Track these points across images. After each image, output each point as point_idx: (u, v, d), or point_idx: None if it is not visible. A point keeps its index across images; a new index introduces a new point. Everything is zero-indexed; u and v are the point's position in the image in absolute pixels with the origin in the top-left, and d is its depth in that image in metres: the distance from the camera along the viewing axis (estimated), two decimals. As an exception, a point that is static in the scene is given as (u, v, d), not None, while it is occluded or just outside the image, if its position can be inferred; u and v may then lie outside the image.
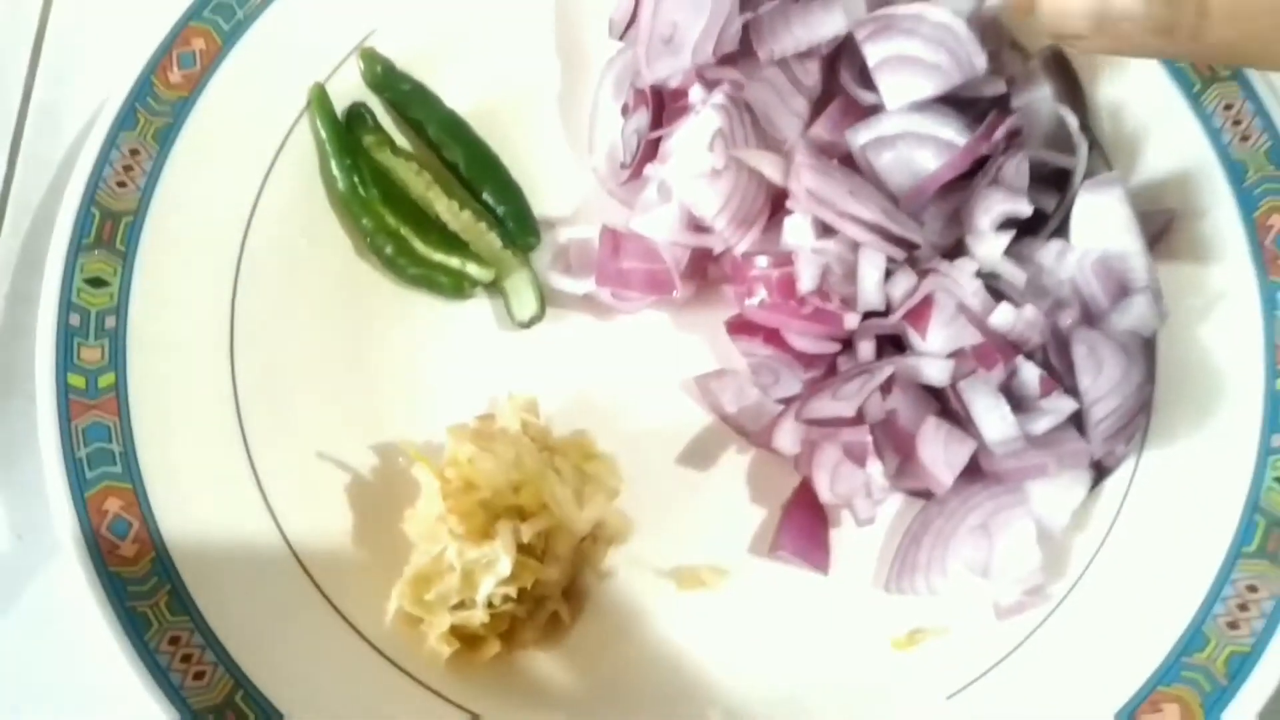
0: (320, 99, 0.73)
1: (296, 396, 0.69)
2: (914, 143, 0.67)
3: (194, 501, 0.63)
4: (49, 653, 0.67)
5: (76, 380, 0.63)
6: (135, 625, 0.59)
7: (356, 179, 0.72)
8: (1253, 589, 0.59)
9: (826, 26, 0.69)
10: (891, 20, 0.68)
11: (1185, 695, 0.58)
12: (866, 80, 0.69)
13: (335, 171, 0.72)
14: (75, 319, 0.64)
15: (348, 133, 0.74)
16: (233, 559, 0.63)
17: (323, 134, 0.73)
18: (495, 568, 0.60)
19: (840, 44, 0.70)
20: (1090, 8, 0.52)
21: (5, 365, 0.74)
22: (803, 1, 0.70)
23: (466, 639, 0.63)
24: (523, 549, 0.61)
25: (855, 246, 0.66)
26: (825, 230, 0.66)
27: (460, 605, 0.61)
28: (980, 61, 0.67)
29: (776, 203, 0.69)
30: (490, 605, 0.61)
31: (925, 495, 0.67)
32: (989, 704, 0.61)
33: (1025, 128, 0.69)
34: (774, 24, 0.69)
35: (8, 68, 0.83)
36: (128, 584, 0.59)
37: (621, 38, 0.74)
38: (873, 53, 0.67)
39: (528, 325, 0.72)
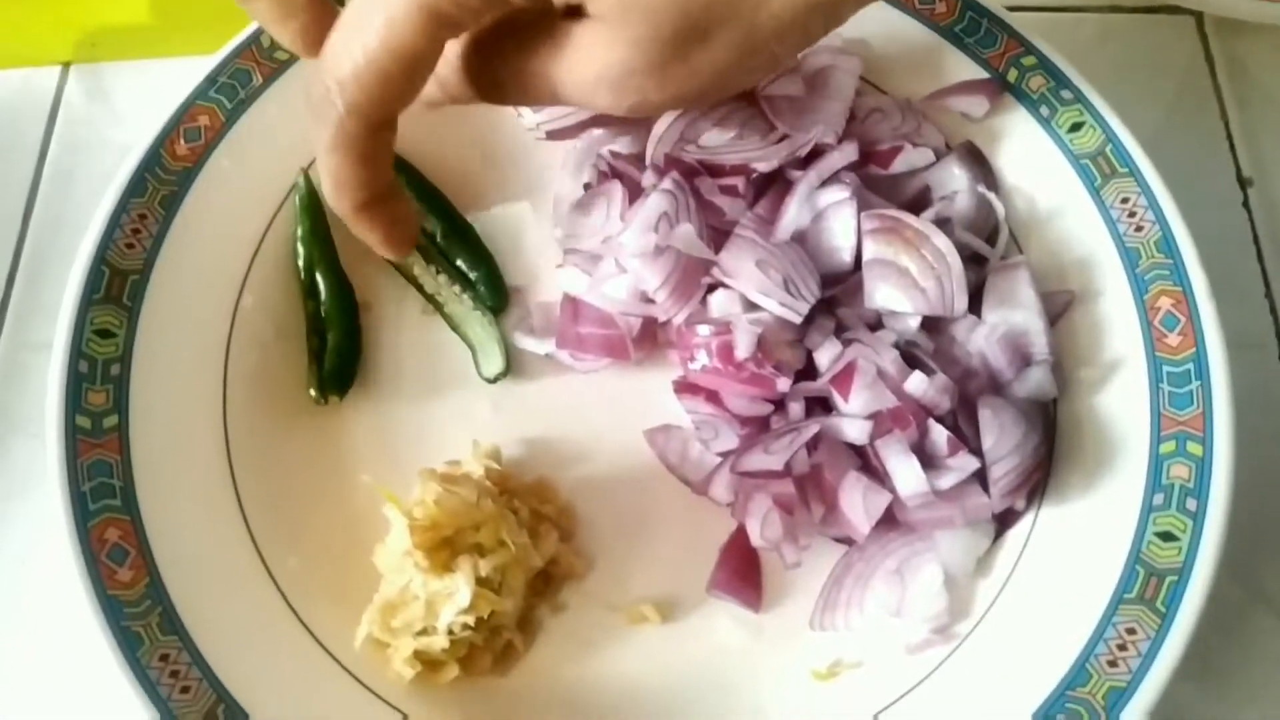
0: (304, 186, 0.81)
1: (281, 440, 0.75)
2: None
3: (186, 532, 0.69)
4: (49, 667, 0.74)
5: (83, 421, 0.69)
6: (130, 643, 0.64)
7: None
8: (1131, 631, 0.66)
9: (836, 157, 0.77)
10: (899, 225, 0.74)
11: (1069, 724, 0.64)
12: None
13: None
14: (84, 366, 0.71)
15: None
16: (219, 585, 0.69)
17: (300, 218, 0.81)
18: (455, 598, 0.66)
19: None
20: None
21: (11, 406, 0.81)
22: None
23: (428, 663, 0.69)
24: (481, 582, 0.67)
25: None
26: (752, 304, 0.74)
27: (423, 632, 0.68)
28: (961, 304, 0.73)
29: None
30: (450, 632, 0.67)
31: (848, 542, 0.74)
32: (896, 729, 0.67)
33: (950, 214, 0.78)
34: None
35: (25, 135, 0.90)
36: (124, 606, 0.65)
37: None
38: (871, 248, 0.74)
39: (493, 380, 0.79)
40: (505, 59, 0.60)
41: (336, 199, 0.60)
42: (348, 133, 0.56)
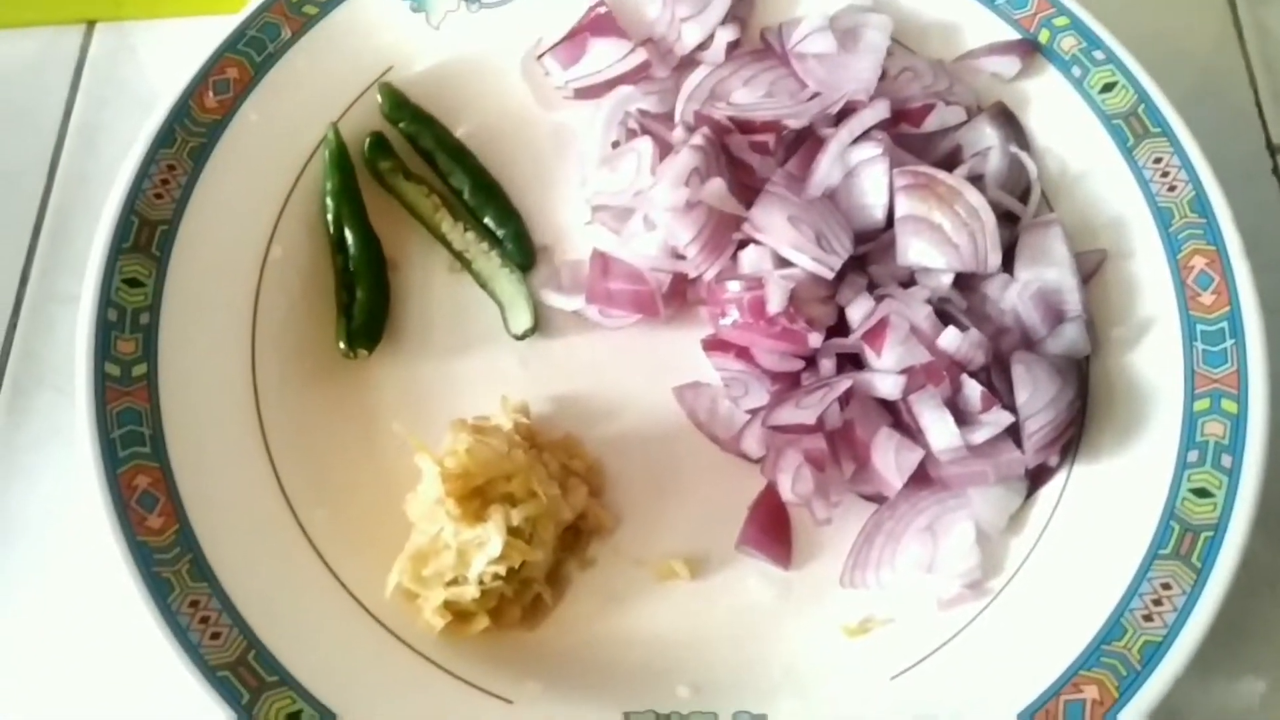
0: (334, 140, 0.80)
1: (310, 392, 0.75)
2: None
3: (215, 481, 0.69)
4: (74, 621, 0.73)
5: (112, 369, 0.69)
6: (160, 589, 0.64)
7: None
8: (1166, 586, 0.65)
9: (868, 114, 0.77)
10: (932, 182, 0.74)
11: (1103, 678, 0.63)
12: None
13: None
14: (113, 314, 0.70)
15: (368, 156, 0.81)
16: (248, 534, 0.68)
17: (328, 172, 0.80)
18: (487, 548, 0.66)
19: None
20: None
21: (37, 358, 0.81)
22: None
23: (458, 614, 0.68)
24: (512, 532, 0.67)
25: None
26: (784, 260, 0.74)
27: (454, 582, 0.67)
28: (995, 260, 0.72)
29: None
30: (481, 583, 0.67)
31: (878, 500, 0.74)
32: (929, 683, 0.67)
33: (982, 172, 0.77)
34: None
35: (51, 92, 0.90)
36: (154, 552, 0.65)
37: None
38: (904, 205, 0.74)
39: (522, 338, 0.79)
40: None
41: None
42: None
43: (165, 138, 0.75)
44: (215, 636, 0.64)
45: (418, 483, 0.69)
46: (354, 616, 0.68)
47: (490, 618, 0.69)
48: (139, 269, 0.72)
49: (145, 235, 0.73)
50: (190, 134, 0.76)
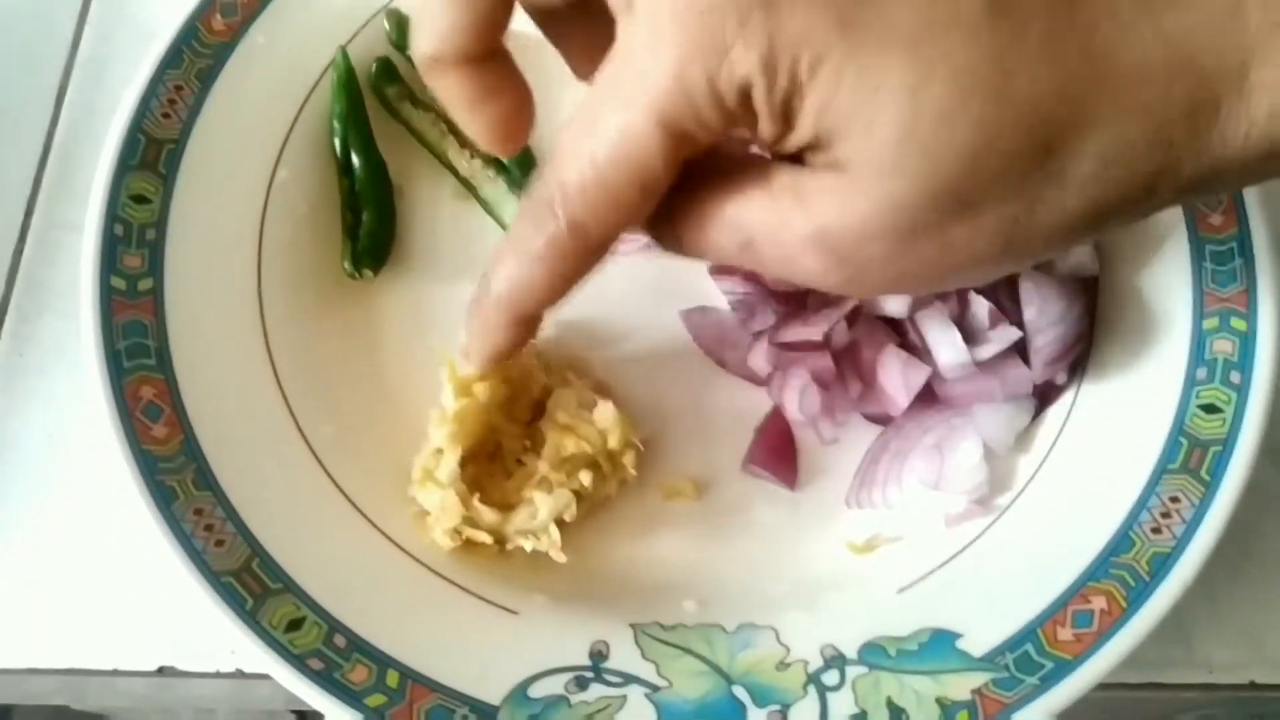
0: (342, 64, 0.80)
1: (316, 310, 0.75)
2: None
3: (220, 395, 0.69)
4: (79, 541, 0.73)
5: (118, 282, 0.69)
6: (164, 496, 0.64)
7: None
8: (1175, 499, 0.65)
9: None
10: None
11: (1112, 589, 0.63)
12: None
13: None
14: (119, 229, 0.70)
15: (375, 82, 0.81)
16: (253, 447, 0.68)
17: (336, 96, 0.80)
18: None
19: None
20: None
21: (43, 283, 0.81)
22: None
23: (467, 539, 0.68)
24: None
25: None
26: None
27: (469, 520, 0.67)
28: None
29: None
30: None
31: (884, 422, 0.73)
32: (936, 596, 0.66)
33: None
34: None
35: (57, 23, 0.90)
36: (158, 461, 0.65)
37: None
38: None
39: (528, 263, 0.78)
40: (696, 200, 0.49)
41: (514, 305, 0.55)
42: (560, 248, 0.49)
43: (173, 58, 0.75)
44: (219, 544, 0.63)
45: (422, 401, 0.69)
46: (358, 528, 0.68)
47: (496, 542, 0.69)
48: (146, 186, 0.72)
49: (152, 153, 0.73)
50: (198, 55, 0.76)
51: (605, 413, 0.70)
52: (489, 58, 0.54)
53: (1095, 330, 0.73)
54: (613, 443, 0.69)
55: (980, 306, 0.70)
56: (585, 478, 0.68)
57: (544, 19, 0.59)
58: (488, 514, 0.66)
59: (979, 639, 0.63)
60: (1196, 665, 0.71)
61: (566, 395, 0.70)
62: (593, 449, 0.69)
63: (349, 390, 0.73)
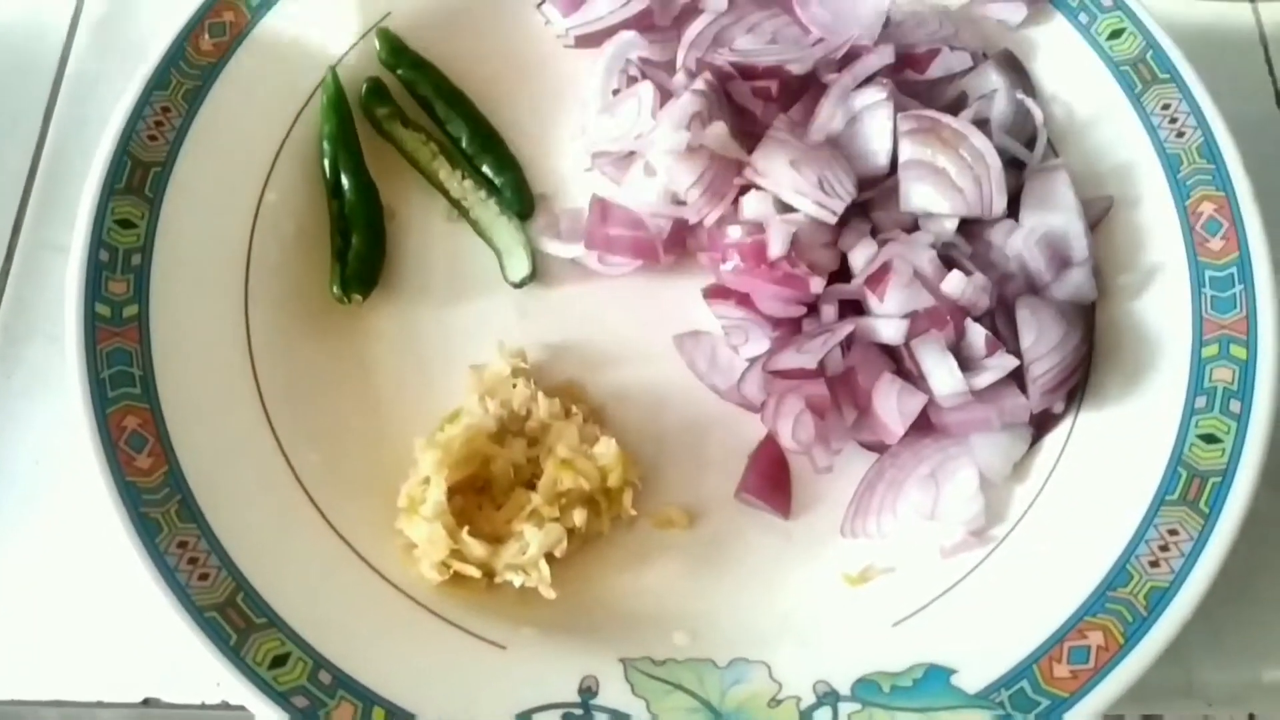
0: (331, 85, 0.79)
1: (304, 336, 0.74)
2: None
3: (206, 423, 0.68)
4: (63, 566, 0.72)
5: (103, 309, 0.68)
6: (148, 529, 0.63)
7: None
8: (1173, 532, 0.64)
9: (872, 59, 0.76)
10: (936, 126, 0.72)
11: (1109, 624, 0.62)
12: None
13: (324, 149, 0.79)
14: (105, 255, 0.69)
15: (366, 102, 0.80)
16: (239, 476, 0.67)
17: (326, 116, 0.79)
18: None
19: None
20: None
21: (29, 306, 0.80)
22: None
23: (455, 573, 0.67)
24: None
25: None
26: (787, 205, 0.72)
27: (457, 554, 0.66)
28: (999, 205, 0.71)
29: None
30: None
31: (879, 449, 0.72)
32: (932, 630, 0.65)
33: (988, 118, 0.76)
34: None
35: (47, 40, 0.89)
36: (142, 493, 0.64)
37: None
38: (907, 149, 0.72)
39: (520, 286, 0.77)
40: None
41: None
42: None
43: (160, 79, 0.75)
44: (203, 578, 0.63)
45: (412, 429, 0.68)
46: (345, 560, 0.67)
47: (484, 575, 0.68)
48: (131, 210, 0.71)
49: (139, 176, 0.72)
50: (185, 76, 0.75)
51: (607, 449, 0.69)
52: None
53: (1093, 358, 0.72)
54: (612, 481, 0.68)
55: (976, 334, 0.69)
56: (579, 517, 0.67)
57: None
58: (476, 548, 0.65)
59: (974, 675, 0.62)
60: (1195, 697, 0.70)
61: (569, 429, 0.69)
62: (590, 486, 0.68)
63: (336, 418, 0.72)
